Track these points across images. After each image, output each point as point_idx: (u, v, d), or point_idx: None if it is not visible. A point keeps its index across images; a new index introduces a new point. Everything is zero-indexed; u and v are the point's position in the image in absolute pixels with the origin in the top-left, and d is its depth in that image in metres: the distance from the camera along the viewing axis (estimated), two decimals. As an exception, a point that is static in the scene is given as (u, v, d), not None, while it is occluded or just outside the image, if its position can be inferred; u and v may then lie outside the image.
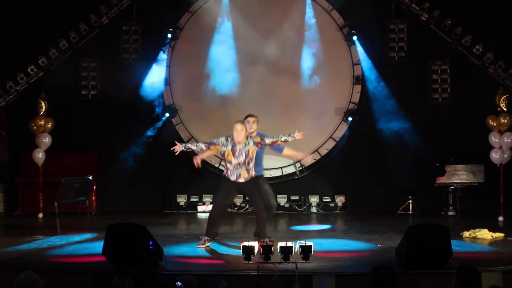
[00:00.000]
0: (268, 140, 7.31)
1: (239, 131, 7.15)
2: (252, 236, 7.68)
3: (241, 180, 7.27)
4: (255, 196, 7.42)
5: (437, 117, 11.14)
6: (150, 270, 5.90)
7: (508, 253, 7.02)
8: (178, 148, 7.34)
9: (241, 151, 7.19)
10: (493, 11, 10.92)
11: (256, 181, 7.43)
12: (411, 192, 10.76)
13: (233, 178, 7.26)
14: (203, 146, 7.36)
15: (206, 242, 7.31)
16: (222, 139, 7.29)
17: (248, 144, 7.22)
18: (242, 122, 7.36)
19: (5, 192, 11.29)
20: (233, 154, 7.19)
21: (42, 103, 10.81)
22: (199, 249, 7.22)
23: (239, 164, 7.21)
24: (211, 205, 7.43)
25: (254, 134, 7.49)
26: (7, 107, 11.23)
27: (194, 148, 7.41)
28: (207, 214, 10.87)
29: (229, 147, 7.20)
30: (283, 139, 7.32)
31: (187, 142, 7.55)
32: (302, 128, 11.19)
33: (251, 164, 7.29)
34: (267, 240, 6.94)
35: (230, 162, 7.24)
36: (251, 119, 7.60)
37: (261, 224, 7.40)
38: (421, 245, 5.95)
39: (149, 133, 11.20)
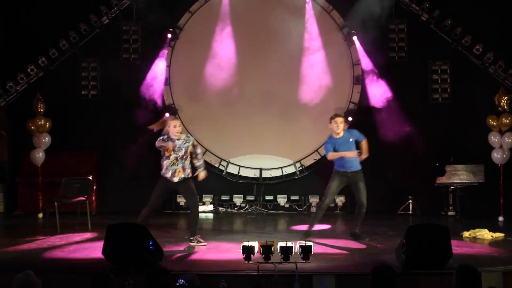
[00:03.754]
0: (198, 151, 7.64)
1: (177, 127, 7.48)
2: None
3: (175, 179, 7.45)
4: (190, 196, 7.59)
5: (437, 117, 11.13)
6: (150, 270, 5.89)
7: (508, 253, 7.02)
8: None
9: (181, 147, 7.48)
10: (493, 11, 10.91)
11: (190, 181, 7.57)
12: (411, 192, 10.76)
13: (168, 175, 7.45)
14: (162, 143, 7.48)
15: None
16: (164, 137, 7.49)
17: (188, 141, 7.54)
18: (177, 118, 7.74)
19: (5, 192, 11.28)
20: (173, 149, 7.43)
21: (38, 103, 10.80)
22: (202, 248, 7.32)
23: (176, 158, 7.44)
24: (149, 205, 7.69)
25: (179, 136, 7.56)
26: (7, 107, 11.24)
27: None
28: (207, 214, 10.99)
29: (170, 143, 7.44)
30: (197, 163, 7.64)
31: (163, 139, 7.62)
32: (302, 128, 11.42)
33: (187, 163, 7.52)
34: (198, 237, 7.49)
35: (168, 157, 7.44)
36: (178, 122, 7.67)
37: (193, 223, 7.62)
38: (421, 245, 5.95)
39: (149, 133, 11.20)
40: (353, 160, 7.90)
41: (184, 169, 7.47)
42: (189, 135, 7.65)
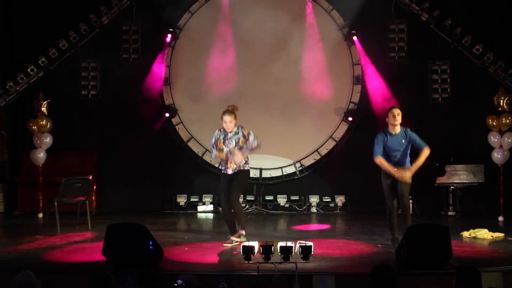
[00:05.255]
0: (251, 138, 7.55)
1: (228, 123, 7.53)
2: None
3: (230, 171, 7.56)
4: (234, 187, 7.51)
5: (437, 117, 11.13)
6: (150, 270, 5.90)
7: (508, 253, 7.02)
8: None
9: (231, 139, 7.55)
10: (493, 11, 10.91)
11: (242, 173, 7.57)
12: (411, 192, 10.67)
13: (223, 168, 7.63)
14: (214, 152, 7.64)
15: (240, 237, 7.49)
16: (216, 132, 7.65)
17: (238, 133, 7.58)
18: (230, 112, 7.61)
19: (5, 192, 11.27)
20: (224, 142, 7.55)
21: (42, 103, 10.80)
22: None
23: (229, 151, 7.50)
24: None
25: (232, 129, 7.59)
26: (7, 107, 11.24)
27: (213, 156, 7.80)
28: (207, 214, 11.01)
29: (221, 137, 7.59)
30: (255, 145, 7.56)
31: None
32: (302, 128, 11.41)
33: None
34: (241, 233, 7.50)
35: (221, 151, 7.55)
36: (228, 118, 7.59)
37: (238, 218, 7.63)
38: (421, 245, 5.94)
39: (149, 133, 11.21)
40: (400, 157, 7.32)
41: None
42: (242, 126, 7.58)
